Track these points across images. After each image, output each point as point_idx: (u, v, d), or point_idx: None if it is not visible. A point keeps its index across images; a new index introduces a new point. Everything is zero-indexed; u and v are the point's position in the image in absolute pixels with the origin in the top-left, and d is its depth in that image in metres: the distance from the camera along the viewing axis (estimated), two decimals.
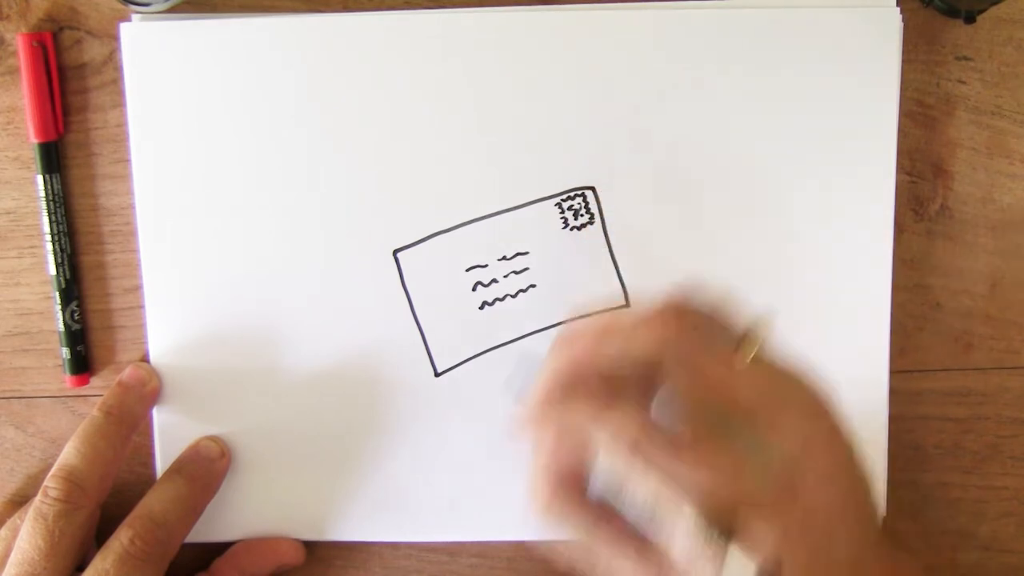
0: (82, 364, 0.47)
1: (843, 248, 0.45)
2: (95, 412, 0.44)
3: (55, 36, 0.45)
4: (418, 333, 0.46)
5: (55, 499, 0.42)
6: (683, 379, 0.36)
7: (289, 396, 0.46)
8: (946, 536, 0.48)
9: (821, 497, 0.35)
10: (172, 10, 0.44)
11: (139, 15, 0.44)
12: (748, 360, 0.36)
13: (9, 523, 0.45)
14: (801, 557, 0.34)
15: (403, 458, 0.47)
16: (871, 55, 0.44)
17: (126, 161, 0.45)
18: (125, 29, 0.44)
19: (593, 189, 0.45)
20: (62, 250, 0.46)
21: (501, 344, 0.46)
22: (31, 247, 0.46)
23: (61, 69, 0.45)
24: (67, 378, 0.47)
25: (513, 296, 0.46)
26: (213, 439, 0.46)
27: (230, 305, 0.46)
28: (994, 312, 0.47)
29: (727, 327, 0.37)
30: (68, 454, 0.43)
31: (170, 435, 0.46)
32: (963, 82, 0.46)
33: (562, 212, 0.45)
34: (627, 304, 0.46)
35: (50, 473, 0.43)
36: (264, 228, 0.45)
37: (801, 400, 0.36)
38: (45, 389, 0.47)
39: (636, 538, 0.36)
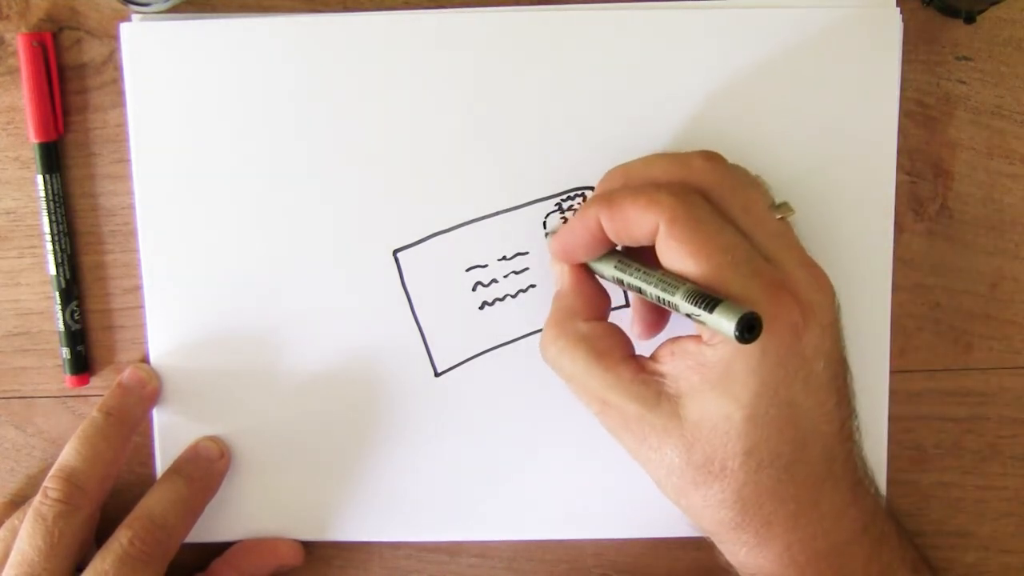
0: (82, 364, 0.47)
1: (843, 248, 0.45)
2: (95, 413, 0.44)
3: (55, 36, 0.45)
4: (418, 333, 0.46)
5: (55, 500, 0.42)
6: (734, 199, 0.39)
7: (289, 396, 0.46)
8: (946, 536, 0.48)
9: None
10: (172, 10, 0.44)
11: (139, 15, 0.44)
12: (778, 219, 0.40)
13: (7, 524, 0.45)
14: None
15: (403, 458, 0.47)
16: (871, 55, 0.44)
17: (126, 161, 0.45)
18: (125, 29, 0.44)
19: (593, 189, 0.45)
20: (62, 250, 0.46)
21: (501, 344, 0.46)
22: (31, 247, 0.46)
23: (61, 69, 0.45)
24: (67, 378, 0.47)
25: (513, 296, 0.46)
26: (213, 439, 0.46)
27: (230, 305, 0.46)
28: (994, 312, 0.47)
29: (763, 188, 0.41)
30: (68, 455, 0.43)
31: (170, 435, 0.46)
32: (963, 82, 0.46)
33: (562, 212, 0.45)
34: (627, 304, 0.46)
35: (50, 474, 0.43)
36: (264, 228, 0.45)
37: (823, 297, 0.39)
38: (45, 389, 0.47)
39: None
